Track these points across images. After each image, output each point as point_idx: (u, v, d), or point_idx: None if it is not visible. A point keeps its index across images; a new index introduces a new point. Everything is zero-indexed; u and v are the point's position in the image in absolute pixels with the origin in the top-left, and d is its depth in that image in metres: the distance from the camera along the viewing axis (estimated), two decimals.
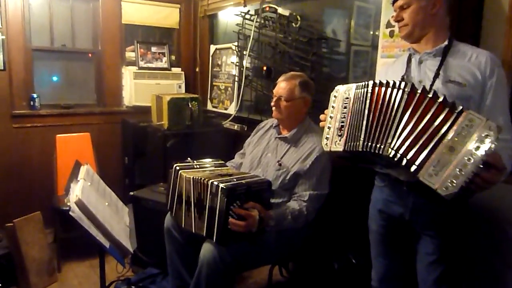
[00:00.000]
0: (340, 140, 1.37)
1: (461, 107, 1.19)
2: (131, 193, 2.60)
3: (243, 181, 1.75)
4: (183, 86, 3.65)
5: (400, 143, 1.25)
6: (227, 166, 2.12)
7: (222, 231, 1.67)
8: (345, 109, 1.39)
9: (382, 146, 1.29)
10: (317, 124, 1.55)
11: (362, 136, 1.33)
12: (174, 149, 3.01)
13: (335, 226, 2.30)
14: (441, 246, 1.45)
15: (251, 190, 1.73)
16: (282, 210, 1.86)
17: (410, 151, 1.23)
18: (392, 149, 1.27)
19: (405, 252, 1.58)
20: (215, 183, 1.69)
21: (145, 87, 3.50)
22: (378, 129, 1.31)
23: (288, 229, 1.87)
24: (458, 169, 1.14)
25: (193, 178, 1.82)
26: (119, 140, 3.57)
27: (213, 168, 2.02)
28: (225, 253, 1.72)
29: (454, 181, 1.14)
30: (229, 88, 3.36)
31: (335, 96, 1.43)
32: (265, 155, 2.08)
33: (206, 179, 1.75)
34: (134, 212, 2.55)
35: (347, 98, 1.40)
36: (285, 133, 2.05)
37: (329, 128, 1.43)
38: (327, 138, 1.42)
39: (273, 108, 2.03)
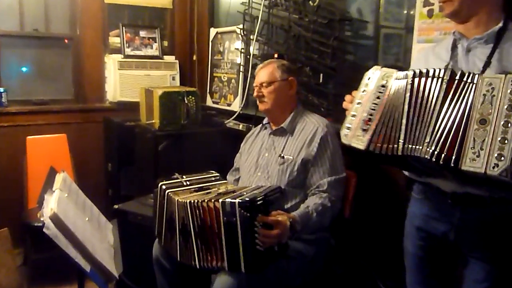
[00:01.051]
0: (363, 136, 1.35)
1: (472, 74, 1.24)
2: (116, 206, 2.61)
3: (256, 192, 1.75)
4: (177, 77, 3.65)
5: (437, 139, 1.25)
6: (224, 180, 2.13)
7: (251, 255, 1.65)
8: (378, 100, 1.37)
9: (420, 147, 1.28)
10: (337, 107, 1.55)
11: (402, 137, 1.31)
12: (166, 153, 3.01)
13: (362, 245, 2.29)
14: (493, 272, 1.42)
15: (268, 200, 1.74)
16: (304, 210, 1.89)
17: (445, 145, 1.24)
18: (430, 148, 1.26)
19: (448, 280, 1.55)
20: (228, 200, 1.69)
21: (132, 79, 3.51)
22: (418, 127, 1.29)
23: (316, 229, 1.92)
24: (499, 140, 1.16)
25: (190, 202, 1.80)
26: (101, 142, 3.59)
27: (208, 185, 2.02)
28: (246, 284, 1.71)
29: (503, 154, 1.14)
30: (233, 80, 3.36)
31: (369, 79, 1.41)
32: (262, 156, 2.14)
33: (211, 201, 1.74)
34: (120, 229, 2.55)
35: (383, 86, 1.37)
36: (279, 125, 2.12)
37: (353, 116, 1.40)
38: (348, 128, 1.40)
39: (258, 101, 2.15)
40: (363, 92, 1.41)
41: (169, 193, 1.93)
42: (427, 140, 1.27)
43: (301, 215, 1.85)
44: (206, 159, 2.94)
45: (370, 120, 1.37)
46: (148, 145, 3.08)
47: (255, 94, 2.15)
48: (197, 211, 1.77)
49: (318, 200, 1.92)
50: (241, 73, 3.23)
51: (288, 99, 2.13)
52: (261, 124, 2.27)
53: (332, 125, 2.10)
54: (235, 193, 1.77)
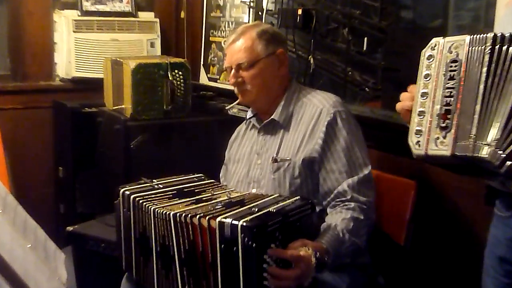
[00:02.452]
0: (445, 137, 1.36)
1: None
2: (70, 228, 2.62)
3: (271, 209, 1.75)
4: (158, 44, 3.67)
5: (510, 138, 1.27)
6: (217, 183, 2.14)
7: None
8: (453, 82, 1.37)
9: (485, 147, 1.29)
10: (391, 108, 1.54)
11: (474, 131, 1.31)
12: (142, 152, 3.01)
13: (422, 283, 2.30)
14: None
15: (288, 223, 1.72)
16: (332, 233, 1.86)
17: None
18: (499, 148, 1.27)
19: None
20: (228, 221, 1.68)
21: (93, 46, 3.53)
22: (491, 117, 1.31)
23: (350, 254, 1.92)
24: None
25: (174, 216, 1.79)
26: (49, 137, 3.62)
27: (194, 188, 2.04)
28: None
29: None
30: None
31: (430, 57, 1.42)
32: (254, 165, 2.18)
33: (204, 217, 1.73)
34: (75, 260, 2.56)
35: (454, 61, 1.38)
36: (269, 117, 2.15)
37: (421, 114, 1.41)
38: (419, 133, 1.40)
39: (235, 90, 2.17)
40: (426, 78, 1.41)
41: (140, 201, 1.94)
42: (497, 136, 1.28)
43: (331, 242, 1.82)
44: (199, 161, 2.95)
45: (448, 112, 1.37)
46: (115, 140, 3.09)
47: (230, 81, 2.14)
48: (185, 229, 1.78)
49: (346, 215, 1.91)
50: None
51: (279, 80, 2.14)
52: (244, 121, 2.30)
53: (343, 102, 2.10)
54: (241, 208, 1.77)
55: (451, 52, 1.39)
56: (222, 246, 1.69)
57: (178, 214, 1.80)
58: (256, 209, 1.73)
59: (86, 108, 3.34)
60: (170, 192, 2.00)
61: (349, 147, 2.00)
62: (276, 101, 2.13)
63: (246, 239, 1.63)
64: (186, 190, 2.03)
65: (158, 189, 2.02)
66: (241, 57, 2.10)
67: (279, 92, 2.14)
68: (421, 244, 2.23)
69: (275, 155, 2.08)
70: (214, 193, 1.98)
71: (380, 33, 2.53)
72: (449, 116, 1.37)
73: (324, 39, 2.79)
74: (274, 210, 1.74)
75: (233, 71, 2.12)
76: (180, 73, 3.08)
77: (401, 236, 2.15)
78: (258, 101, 2.16)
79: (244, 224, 1.64)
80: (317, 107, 2.06)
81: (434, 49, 1.42)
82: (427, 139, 1.39)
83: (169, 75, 3.04)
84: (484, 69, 1.33)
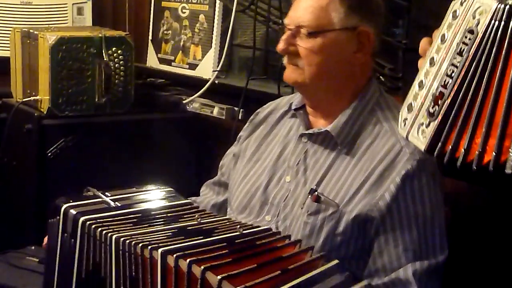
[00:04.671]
0: (428, 126, 1.39)
1: None
2: None
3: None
4: (88, 9, 3.67)
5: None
6: (187, 200, 2.10)
7: None
8: (460, 58, 1.37)
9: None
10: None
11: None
12: (64, 163, 3.01)
13: None
14: None
15: None
16: None
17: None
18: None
19: None
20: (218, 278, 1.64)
21: None
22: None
23: None
24: None
25: (163, 254, 1.74)
26: None
27: (162, 210, 2.01)
28: None
29: None
30: (202, 16, 3.39)
31: (455, 14, 1.43)
32: (279, 180, 2.13)
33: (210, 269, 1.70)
34: None
35: (471, 31, 1.38)
36: (323, 124, 2.09)
37: (420, 87, 1.43)
38: (409, 110, 1.44)
39: (285, 61, 2.10)
40: (441, 40, 1.43)
41: (94, 227, 1.90)
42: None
43: None
44: (144, 175, 2.94)
45: (441, 96, 1.39)
46: (26, 146, 3.08)
47: (280, 46, 2.07)
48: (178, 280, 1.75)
49: None
50: (218, 1, 3.27)
51: (348, 72, 2.06)
52: (286, 104, 2.24)
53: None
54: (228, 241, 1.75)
55: (474, 17, 1.40)
56: None
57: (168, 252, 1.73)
58: (244, 252, 1.72)
59: None
60: (133, 215, 1.96)
61: (426, 218, 1.92)
62: (340, 104, 2.06)
63: None
64: (155, 214, 2.00)
65: (116, 209, 1.99)
66: (305, 18, 2.01)
67: (348, 91, 2.07)
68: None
69: (315, 185, 2.00)
70: (202, 221, 1.93)
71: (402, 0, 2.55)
72: (439, 102, 1.39)
73: None
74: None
75: (288, 33, 2.05)
76: (119, 51, 3.08)
77: None
78: (309, 90, 2.08)
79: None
80: (396, 139, 1.96)
81: (462, 5, 1.44)
82: (413, 120, 1.43)
83: (104, 54, 3.05)
84: (505, 44, 1.35)
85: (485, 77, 1.34)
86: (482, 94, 1.34)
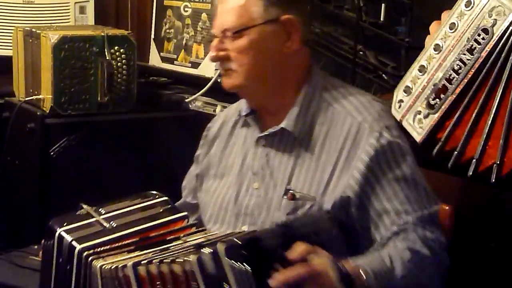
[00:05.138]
0: (426, 118, 1.39)
1: None
2: None
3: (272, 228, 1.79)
4: (90, 8, 3.67)
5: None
6: (181, 214, 2.09)
7: None
8: (470, 56, 1.37)
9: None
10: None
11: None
12: (67, 162, 3.01)
13: None
14: None
15: (296, 235, 1.71)
16: (376, 257, 1.84)
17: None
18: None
19: None
20: (207, 250, 1.66)
21: None
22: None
23: None
24: None
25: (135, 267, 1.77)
26: None
27: (163, 233, 2.02)
28: None
29: None
30: (204, 15, 3.38)
31: (469, 4, 1.42)
32: (247, 189, 2.13)
33: (175, 262, 1.70)
34: None
35: (485, 30, 1.38)
36: (276, 123, 2.07)
37: (421, 71, 1.42)
38: (407, 92, 1.43)
39: (220, 69, 2.13)
40: (451, 28, 1.42)
41: (90, 259, 1.89)
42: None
43: (373, 266, 1.80)
44: (148, 174, 2.95)
45: (445, 90, 1.39)
46: (29, 145, 3.08)
47: (210, 54, 2.10)
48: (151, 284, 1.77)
49: (401, 245, 1.87)
50: None
51: (283, 64, 2.06)
52: (235, 112, 2.22)
53: (389, 110, 2.03)
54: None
55: (490, 16, 1.39)
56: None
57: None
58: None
59: None
60: (130, 241, 1.95)
61: (407, 178, 1.93)
62: (286, 98, 2.06)
63: (233, 261, 1.65)
64: (153, 237, 1.99)
65: (111, 232, 1.98)
66: (227, 21, 2.03)
67: (290, 84, 2.07)
68: None
69: (287, 185, 2.01)
70: (188, 239, 1.92)
71: None
72: (442, 96, 1.39)
73: (325, 4, 2.81)
74: (272, 231, 1.75)
75: (215, 40, 2.06)
76: (121, 50, 3.08)
77: None
78: (249, 91, 2.08)
79: (230, 244, 1.66)
80: (352, 118, 1.97)
81: None
82: (410, 105, 1.42)
83: (106, 53, 3.04)
84: (509, 60, 1.35)
85: (501, 82, 1.32)
86: (484, 98, 1.33)
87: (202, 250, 1.69)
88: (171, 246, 1.88)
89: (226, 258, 1.65)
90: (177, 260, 1.73)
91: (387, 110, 1.98)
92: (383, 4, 2.60)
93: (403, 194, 1.92)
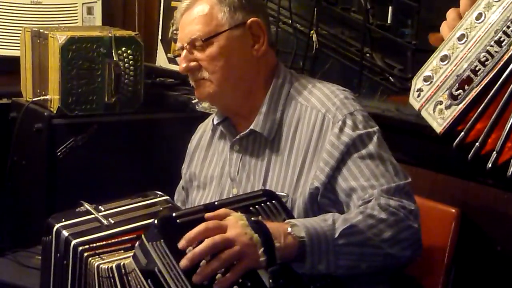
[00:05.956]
0: (448, 108, 1.39)
1: None
2: None
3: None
4: (98, 9, 3.68)
5: None
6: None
7: None
8: (498, 48, 1.36)
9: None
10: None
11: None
12: (74, 162, 3.01)
13: None
14: None
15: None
16: (319, 218, 1.80)
17: None
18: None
19: None
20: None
21: (5, 11, 3.51)
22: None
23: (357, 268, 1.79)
24: None
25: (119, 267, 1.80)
26: None
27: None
28: None
29: None
30: None
31: None
32: (228, 196, 2.15)
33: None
34: None
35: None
36: (247, 126, 2.09)
37: (444, 61, 1.40)
38: (427, 81, 1.43)
39: (191, 81, 2.13)
40: (477, 19, 1.41)
41: (86, 255, 1.91)
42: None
43: (306, 220, 1.78)
44: (155, 174, 2.97)
45: (469, 81, 1.38)
46: (36, 146, 3.09)
47: (180, 66, 2.09)
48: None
49: (371, 210, 1.83)
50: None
51: (254, 65, 2.08)
52: (210, 124, 2.25)
53: (354, 98, 2.03)
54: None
55: None
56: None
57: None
58: None
59: None
60: (127, 238, 1.95)
61: (372, 155, 1.93)
62: (256, 100, 2.08)
63: (152, 242, 1.67)
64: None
65: (108, 228, 1.98)
66: (194, 30, 2.04)
67: (259, 85, 2.09)
68: None
69: (261, 186, 2.03)
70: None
71: None
72: (467, 87, 1.38)
73: (332, 7, 2.80)
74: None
75: (184, 52, 2.06)
76: (128, 51, 3.08)
77: (438, 284, 2.16)
78: (223, 97, 2.09)
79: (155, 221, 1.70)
80: (317, 110, 1.99)
81: None
82: (430, 94, 1.41)
83: (113, 54, 3.05)
84: None
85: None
86: (511, 92, 1.32)
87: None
88: None
89: (148, 243, 1.67)
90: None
91: (351, 98, 2.01)
92: (390, 7, 2.59)
93: (368, 170, 1.92)
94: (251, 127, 2.05)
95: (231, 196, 2.10)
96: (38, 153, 3.08)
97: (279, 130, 2.05)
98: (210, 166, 2.21)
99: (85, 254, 1.91)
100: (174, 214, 1.71)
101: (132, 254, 1.84)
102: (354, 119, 1.95)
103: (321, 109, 1.99)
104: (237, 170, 2.10)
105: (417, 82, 1.43)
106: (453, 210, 2.19)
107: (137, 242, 1.73)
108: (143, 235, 1.71)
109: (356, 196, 1.89)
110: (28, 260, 2.65)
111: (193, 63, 2.05)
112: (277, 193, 1.94)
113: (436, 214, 2.23)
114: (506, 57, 1.34)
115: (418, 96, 1.43)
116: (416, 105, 1.43)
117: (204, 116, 3.19)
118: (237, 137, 2.09)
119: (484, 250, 2.28)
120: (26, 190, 3.21)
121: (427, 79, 1.43)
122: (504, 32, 1.37)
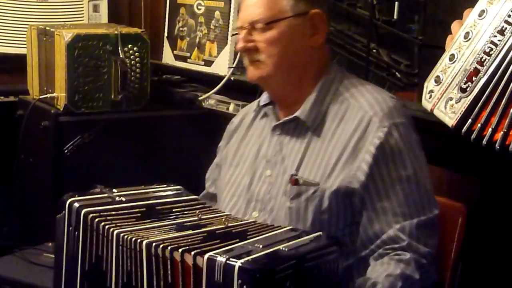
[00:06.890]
0: (459, 102, 1.39)
1: None
2: None
3: (282, 247, 1.74)
4: (104, 7, 3.68)
5: None
6: (203, 202, 2.14)
7: None
8: (501, 37, 1.35)
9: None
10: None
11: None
12: (80, 160, 3.02)
13: None
14: None
15: (305, 268, 1.71)
16: None
17: None
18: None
19: None
20: (221, 259, 1.65)
21: (11, 9, 3.51)
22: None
23: None
24: None
25: (147, 245, 1.76)
26: None
27: (171, 209, 2.01)
28: None
29: None
30: (217, 13, 3.38)
31: None
32: (260, 176, 2.17)
33: (189, 252, 1.69)
34: None
35: None
36: (292, 113, 2.12)
37: (452, 60, 1.41)
38: (437, 82, 1.44)
39: (246, 61, 2.16)
40: (480, 15, 1.41)
41: (96, 219, 1.91)
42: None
43: None
44: (162, 172, 2.96)
45: (476, 73, 1.39)
46: (43, 143, 3.09)
47: (238, 45, 2.13)
48: (162, 266, 1.76)
49: (394, 270, 1.88)
50: None
51: (309, 56, 2.12)
52: (256, 105, 2.29)
53: (403, 108, 2.06)
54: (240, 242, 1.76)
55: None
56: None
57: (154, 245, 1.78)
58: (261, 246, 1.72)
59: (1, 97, 3.34)
60: (137, 210, 1.99)
61: (410, 179, 1.95)
62: (304, 90, 2.11)
63: (244, 287, 1.63)
64: (160, 208, 2.02)
65: (119, 203, 2.01)
66: (256, 13, 2.07)
67: (309, 76, 2.12)
68: None
69: (294, 171, 2.05)
70: (202, 217, 1.96)
71: None
72: (474, 79, 1.38)
73: (338, 3, 2.80)
74: (286, 250, 1.72)
75: (243, 32, 2.10)
76: (135, 48, 3.09)
77: (445, 280, 2.15)
78: (274, 82, 2.12)
79: (244, 265, 1.62)
80: (365, 111, 2.01)
81: None
82: (441, 93, 1.41)
83: (120, 51, 3.05)
84: None
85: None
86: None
87: (216, 257, 1.68)
88: (185, 223, 1.92)
89: (238, 279, 1.64)
90: (193, 253, 1.72)
91: (400, 109, 2.02)
92: (396, 2, 2.59)
93: (403, 195, 1.95)
94: (296, 114, 2.08)
95: (263, 177, 2.14)
96: (45, 150, 3.09)
97: (322, 122, 2.07)
98: (248, 146, 2.24)
99: (96, 220, 1.92)
100: (275, 268, 1.66)
101: (143, 223, 1.90)
102: (398, 129, 1.98)
103: (369, 111, 2.00)
104: (274, 153, 2.13)
105: (428, 85, 1.45)
106: (460, 206, 2.19)
107: (223, 259, 1.68)
108: (235, 263, 1.65)
109: (385, 219, 1.95)
110: (36, 257, 2.65)
111: (250, 44, 2.08)
112: (308, 180, 2.02)
113: (443, 210, 2.22)
114: (508, 43, 1.35)
115: (430, 97, 1.44)
116: (428, 106, 1.44)
117: (209, 113, 3.20)
118: (281, 121, 2.13)
119: (491, 246, 2.28)
120: (33, 187, 3.22)
121: (437, 80, 1.44)
122: (506, 21, 1.37)
